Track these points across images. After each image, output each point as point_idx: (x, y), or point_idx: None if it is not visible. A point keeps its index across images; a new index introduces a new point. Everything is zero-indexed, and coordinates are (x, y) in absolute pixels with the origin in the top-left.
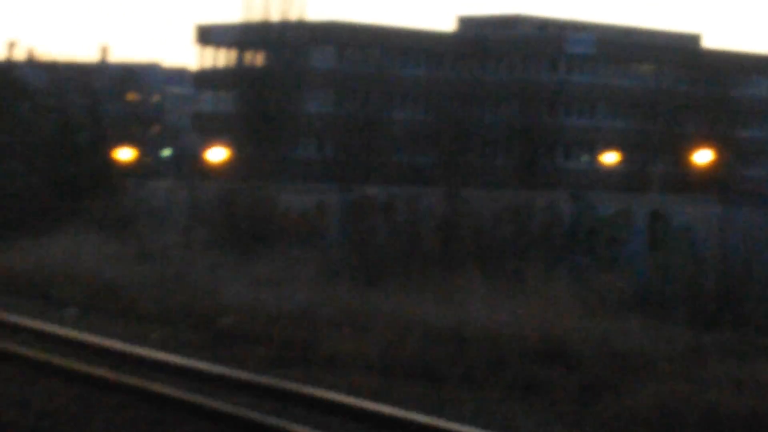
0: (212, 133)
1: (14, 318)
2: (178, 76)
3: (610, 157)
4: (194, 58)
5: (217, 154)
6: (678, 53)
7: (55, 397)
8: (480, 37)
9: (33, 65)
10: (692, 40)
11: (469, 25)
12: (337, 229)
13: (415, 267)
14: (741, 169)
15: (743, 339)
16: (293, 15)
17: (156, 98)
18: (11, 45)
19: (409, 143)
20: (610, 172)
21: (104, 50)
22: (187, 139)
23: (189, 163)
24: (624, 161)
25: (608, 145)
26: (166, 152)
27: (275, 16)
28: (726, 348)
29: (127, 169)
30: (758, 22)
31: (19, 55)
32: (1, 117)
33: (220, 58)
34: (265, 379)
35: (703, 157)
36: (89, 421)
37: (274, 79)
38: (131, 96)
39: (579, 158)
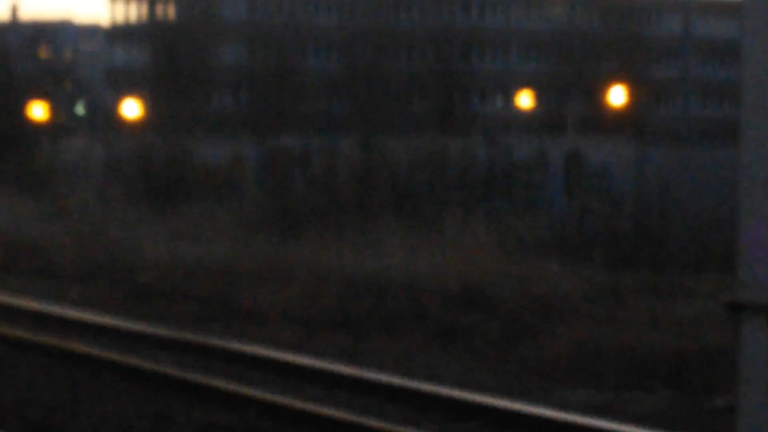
0: (126, 89)
1: None
2: (91, 31)
3: (524, 100)
4: (106, 13)
5: (131, 109)
6: None
7: None
8: None
9: None
10: None
11: None
12: (254, 182)
13: (333, 217)
14: (656, 108)
15: (661, 279)
16: None
17: (69, 55)
18: None
19: (324, 92)
20: (525, 115)
21: (14, 8)
22: (101, 95)
23: (103, 119)
24: (539, 104)
25: (523, 88)
26: (80, 109)
27: None
28: (644, 288)
29: (41, 127)
30: None
31: None
32: None
33: (131, 12)
34: (186, 335)
35: (617, 96)
36: (10, 382)
37: (186, 31)
38: (43, 53)
39: (494, 102)
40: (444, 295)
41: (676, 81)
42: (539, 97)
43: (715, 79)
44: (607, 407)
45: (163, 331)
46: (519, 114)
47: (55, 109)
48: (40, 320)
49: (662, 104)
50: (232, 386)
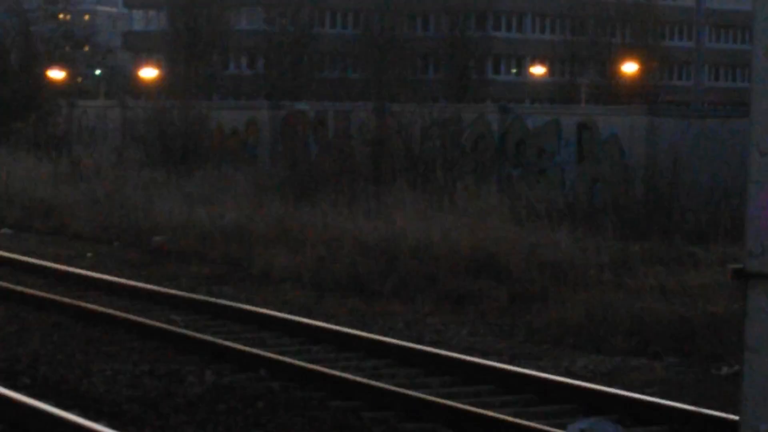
0: (143, 52)
1: None
2: None
3: (538, 70)
4: None
5: (148, 73)
6: None
7: None
8: None
9: None
10: None
11: None
12: (269, 146)
13: (347, 182)
14: (668, 79)
15: (670, 248)
16: None
17: (86, 18)
18: None
19: (339, 59)
20: (538, 84)
21: None
22: (118, 58)
23: (120, 82)
24: (552, 73)
25: (536, 58)
26: (98, 72)
27: None
28: (653, 257)
29: (59, 90)
30: None
31: None
32: None
33: None
34: (199, 296)
35: (630, 67)
36: (26, 340)
37: None
38: (61, 16)
39: (508, 71)
40: (455, 261)
41: (688, 52)
42: (552, 66)
43: (728, 50)
44: (614, 374)
45: (176, 292)
46: (532, 83)
47: (72, 72)
48: (56, 280)
49: (674, 75)
50: (244, 347)
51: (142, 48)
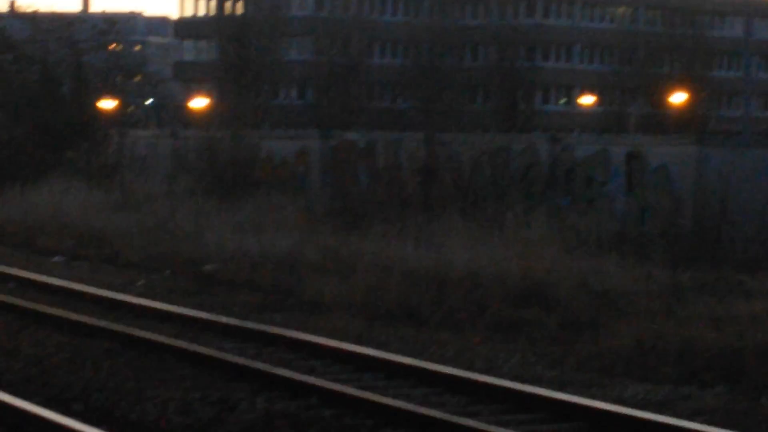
0: (194, 82)
1: (1, 267)
2: (160, 25)
3: (587, 99)
4: (175, 7)
5: (198, 103)
6: None
7: (44, 344)
8: None
9: (15, 16)
10: None
11: None
12: (319, 175)
13: (396, 211)
14: (717, 109)
15: (720, 277)
16: None
17: (138, 48)
18: None
19: (389, 89)
20: (587, 114)
21: (85, 1)
22: (169, 88)
23: (171, 112)
24: (601, 103)
25: (585, 88)
26: (149, 102)
27: None
28: (703, 286)
29: (110, 119)
30: None
31: (1, 6)
32: None
33: (200, 6)
34: (250, 324)
35: (678, 97)
36: (78, 368)
37: (254, 26)
38: (113, 46)
39: (557, 101)
40: (505, 290)
41: (737, 82)
42: (601, 96)
43: None
44: (664, 402)
45: (227, 320)
46: (581, 113)
47: (123, 102)
48: (107, 307)
49: (723, 106)
50: (295, 375)
51: (192, 78)
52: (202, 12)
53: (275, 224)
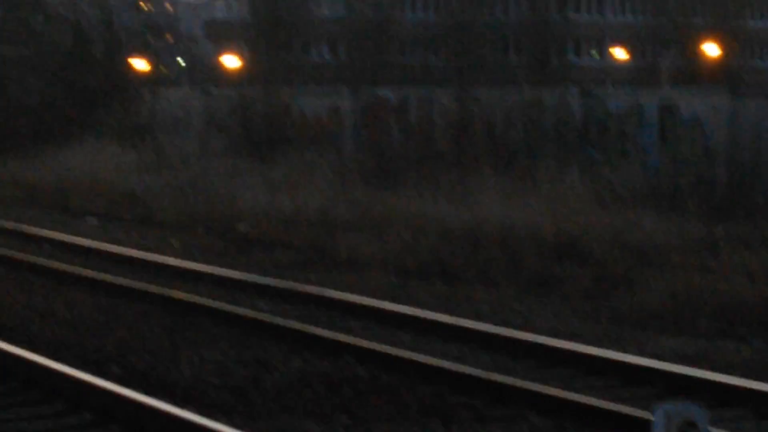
0: (225, 41)
1: (35, 229)
2: None
3: (619, 52)
4: None
5: (230, 61)
6: None
7: (78, 306)
8: None
9: None
10: None
11: None
12: (352, 132)
13: (429, 168)
14: (751, 60)
15: (754, 230)
16: None
17: (168, 8)
18: None
19: (421, 44)
20: (619, 66)
21: None
22: (200, 47)
23: (203, 71)
24: (633, 55)
25: (617, 40)
26: (181, 61)
27: None
28: (737, 239)
29: (142, 79)
30: None
31: None
32: (16, 30)
33: None
34: (284, 283)
35: (712, 49)
36: (113, 329)
37: None
38: (144, 5)
39: (589, 54)
40: (538, 245)
41: None
42: (633, 48)
43: None
44: (700, 356)
45: (262, 279)
46: (613, 66)
47: (155, 62)
48: (142, 268)
49: (757, 56)
50: (329, 333)
51: (223, 37)
52: None
53: (308, 182)
